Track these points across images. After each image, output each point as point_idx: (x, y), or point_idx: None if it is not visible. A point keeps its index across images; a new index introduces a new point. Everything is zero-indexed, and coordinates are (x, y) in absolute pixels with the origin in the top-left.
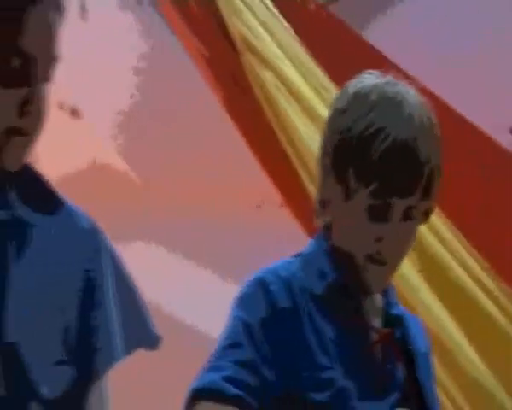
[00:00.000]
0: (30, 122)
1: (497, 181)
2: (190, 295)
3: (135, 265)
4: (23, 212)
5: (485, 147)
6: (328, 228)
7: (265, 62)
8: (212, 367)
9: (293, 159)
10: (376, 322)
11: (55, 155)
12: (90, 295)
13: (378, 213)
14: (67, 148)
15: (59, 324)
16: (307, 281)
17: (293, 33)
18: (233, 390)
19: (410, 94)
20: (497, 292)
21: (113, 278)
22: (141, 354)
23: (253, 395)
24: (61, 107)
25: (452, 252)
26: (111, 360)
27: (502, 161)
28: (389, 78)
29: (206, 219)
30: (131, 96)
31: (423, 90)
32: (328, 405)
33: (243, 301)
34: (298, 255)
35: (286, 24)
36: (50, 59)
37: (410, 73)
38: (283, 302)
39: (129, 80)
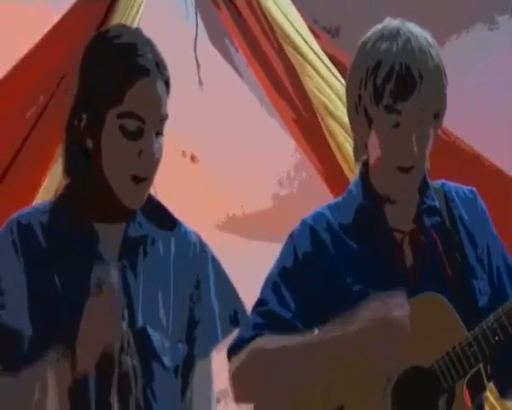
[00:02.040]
0: (146, 167)
1: None
2: None
3: None
4: (150, 229)
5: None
6: (364, 167)
7: (341, 123)
8: (242, 327)
9: (349, 176)
10: (405, 222)
11: None
12: (197, 292)
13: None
14: None
15: (177, 313)
16: (338, 216)
17: None
18: (250, 333)
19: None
20: None
21: (214, 279)
22: None
23: (270, 329)
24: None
25: None
26: (213, 342)
27: None
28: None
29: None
30: None
31: None
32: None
33: (278, 257)
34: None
35: None
36: (160, 117)
37: None
38: (305, 247)
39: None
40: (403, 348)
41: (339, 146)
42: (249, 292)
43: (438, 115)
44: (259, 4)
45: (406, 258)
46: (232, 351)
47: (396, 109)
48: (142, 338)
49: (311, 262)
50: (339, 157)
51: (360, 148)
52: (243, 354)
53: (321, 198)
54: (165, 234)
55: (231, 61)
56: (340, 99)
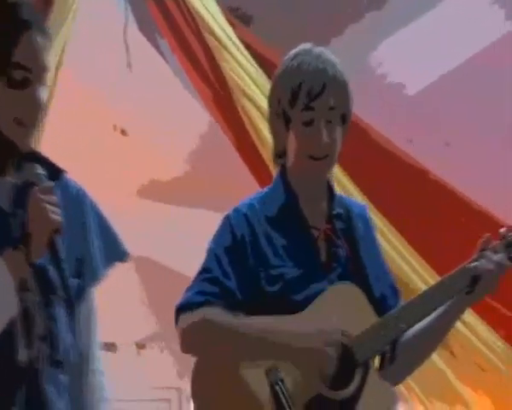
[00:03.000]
0: (31, 113)
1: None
2: None
3: None
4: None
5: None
6: (282, 168)
7: (254, 103)
8: (188, 288)
9: (262, 152)
10: (319, 221)
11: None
12: (82, 233)
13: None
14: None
15: (69, 252)
16: (264, 208)
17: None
18: (200, 298)
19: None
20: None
21: (95, 221)
22: None
23: (216, 298)
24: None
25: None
26: (97, 276)
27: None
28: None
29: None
30: None
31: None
32: (279, 292)
33: (214, 236)
34: (260, 192)
35: (261, 71)
36: (43, 69)
37: None
38: (241, 230)
39: None
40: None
41: (251, 121)
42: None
43: (345, 119)
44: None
45: (320, 251)
46: (180, 310)
47: (310, 107)
48: (41, 275)
49: (246, 245)
50: (251, 132)
51: (278, 151)
52: (195, 317)
53: (231, 167)
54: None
55: (157, 46)
56: (253, 81)
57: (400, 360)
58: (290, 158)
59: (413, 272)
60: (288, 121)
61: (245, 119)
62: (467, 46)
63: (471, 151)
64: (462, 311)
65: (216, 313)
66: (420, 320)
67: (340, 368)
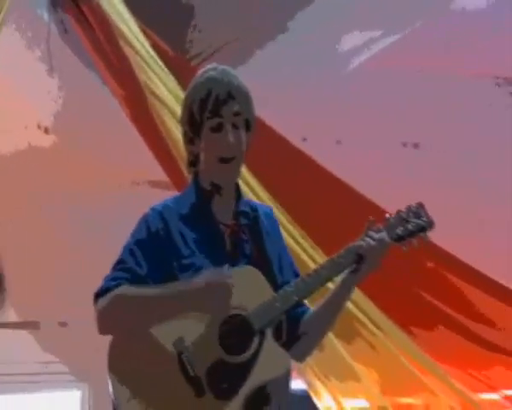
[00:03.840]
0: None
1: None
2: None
3: None
4: None
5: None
6: (195, 174)
7: (163, 102)
8: (104, 277)
9: (173, 150)
10: (227, 218)
11: None
12: None
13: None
14: None
15: None
16: (178, 207)
17: (174, 80)
18: (113, 283)
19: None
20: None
21: None
22: None
23: (129, 281)
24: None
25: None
26: None
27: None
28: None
29: (83, 193)
30: None
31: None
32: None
33: (132, 232)
34: (175, 196)
35: (171, 76)
36: None
37: None
38: (156, 226)
39: None
40: (227, 303)
41: (158, 116)
42: None
43: (249, 125)
44: (100, 8)
45: (227, 244)
46: (98, 296)
47: (217, 114)
48: None
49: (160, 238)
50: (162, 131)
51: (191, 160)
52: (107, 298)
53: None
54: None
55: (77, 52)
56: (161, 81)
57: (305, 336)
58: (202, 165)
59: (311, 259)
60: (199, 130)
61: (155, 116)
62: (359, 52)
63: (361, 149)
64: (351, 287)
65: (126, 288)
66: (311, 293)
67: (239, 336)
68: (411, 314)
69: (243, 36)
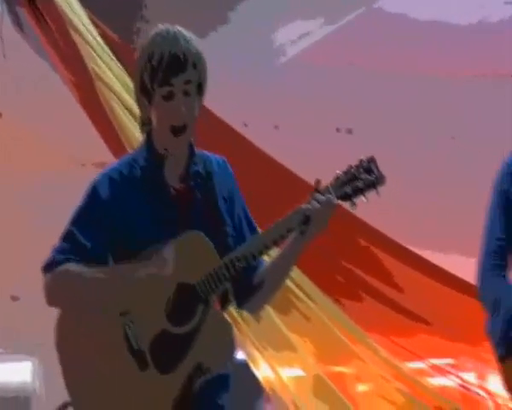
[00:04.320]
0: None
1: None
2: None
3: None
4: None
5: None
6: (148, 134)
7: (110, 88)
8: (52, 249)
9: (120, 134)
10: (179, 180)
11: None
12: None
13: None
14: None
15: None
16: (128, 171)
17: (121, 67)
18: (60, 257)
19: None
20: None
21: None
22: None
23: (74, 255)
24: None
25: None
26: None
27: None
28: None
29: (33, 175)
30: None
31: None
32: (139, 246)
33: (83, 198)
34: (127, 156)
35: (119, 64)
36: None
37: None
38: (104, 193)
39: None
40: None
41: (106, 101)
42: None
43: (201, 89)
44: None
45: (177, 208)
46: (46, 268)
47: (168, 83)
48: None
49: (107, 204)
50: (110, 116)
51: (144, 121)
52: (53, 273)
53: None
54: None
55: (30, 39)
56: (109, 68)
57: (256, 294)
58: (154, 130)
59: None
60: (150, 96)
61: (103, 101)
62: (295, 45)
63: (297, 134)
64: (299, 250)
65: (72, 266)
66: (257, 257)
67: (184, 306)
68: (341, 287)
69: (187, 26)
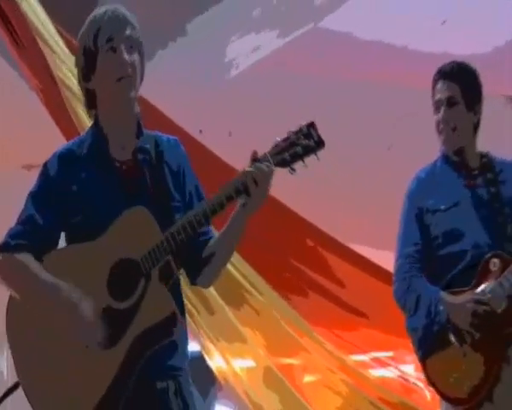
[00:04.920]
0: None
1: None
2: None
3: None
4: None
5: None
6: (96, 117)
7: (75, 94)
8: (8, 232)
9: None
10: (126, 155)
11: None
12: None
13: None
14: None
15: None
16: (77, 148)
17: None
18: (12, 242)
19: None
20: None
21: None
22: None
23: (29, 238)
24: None
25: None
26: None
27: None
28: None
29: None
30: None
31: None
32: (86, 220)
33: (37, 179)
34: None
35: None
36: None
37: None
38: (53, 170)
39: None
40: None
41: (70, 106)
42: None
43: (140, 52)
44: (19, 9)
45: (124, 182)
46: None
47: (111, 39)
48: None
49: (57, 182)
50: (71, 114)
51: (89, 103)
52: (5, 257)
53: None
54: None
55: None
56: (74, 75)
57: (207, 267)
58: (100, 102)
59: None
60: (94, 60)
61: (67, 105)
62: (247, 58)
63: (251, 140)
64: (243, 221)
65: (20, 258)
66: (197, 227)
67: (126, 281)
68: (289, 284)
69: (147, 36)
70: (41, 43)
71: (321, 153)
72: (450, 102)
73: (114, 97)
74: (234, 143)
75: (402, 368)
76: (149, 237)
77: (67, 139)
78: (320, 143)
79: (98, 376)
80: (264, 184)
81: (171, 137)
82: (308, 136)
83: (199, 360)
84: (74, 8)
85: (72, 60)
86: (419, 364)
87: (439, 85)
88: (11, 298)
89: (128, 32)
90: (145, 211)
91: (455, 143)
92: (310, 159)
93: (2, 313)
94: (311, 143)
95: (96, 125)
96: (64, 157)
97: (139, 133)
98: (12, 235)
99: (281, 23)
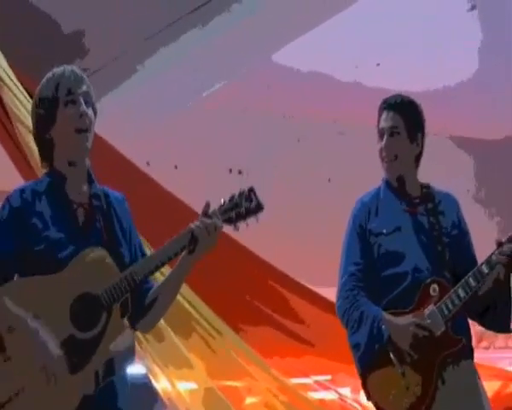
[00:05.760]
0: None
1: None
2: None
3: None
4: None
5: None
6: (51, 166)
7: (27, 128)
8: None
9: (35, 168)
10: (80, 198)
11: None
12: None
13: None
14: None
15: None
16: (36, 186)
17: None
18: None
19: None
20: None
21: None
22: None
23: None
24: None
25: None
26: None
27: None
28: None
29: None
30: None
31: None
32: (44, 251)
33: None
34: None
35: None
36: None
37: None
38: (16, 203)
39: None
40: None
41: (23, 138)
42: None
43: (94, 108)
44: None
45: (79, 220)
46: None
47: (71, 92)
48: None
49: (20, 214)
50: (24, 147)
51: (44, 157)
52: None
53: None
54: None
55: None
56: (27, 110)
57: (149, 311)
58: (57, 146)
59: None
60: (54, 110)
61: (20, 139)
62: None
63: (196, 174)
64: (188, 267)
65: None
66: (152, 272)
67: (89, 313)
68: (244, 316)
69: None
70: None
71: (261, 184)
72: (393, 132)
73: (73, 147)
74: (179, 176)
75: (340, 391)
76: (109, 276)
77: (18, 168)
78: (259, 206)
79: (65, 397)
80: (212, 237)
81: (117, 193)
82: (249, 199)
83: (143, 380)
84: (25, 45)
85: (24, 96)
86: (356, 386)
87: (384, 115)
88: None
89: (85, 87)
90: (104, 252)
91: (396, 170)
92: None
93: None
94: (253, 205)
95: (52, 170)
96: (25, 192)
97: (90, 180)
98: None
99: (227, 62)
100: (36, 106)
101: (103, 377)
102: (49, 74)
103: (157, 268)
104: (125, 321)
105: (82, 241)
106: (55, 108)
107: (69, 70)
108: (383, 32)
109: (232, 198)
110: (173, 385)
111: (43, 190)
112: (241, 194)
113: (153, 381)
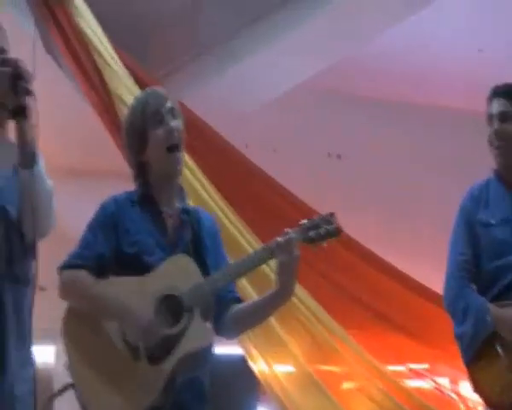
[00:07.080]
0: None
1: None
2: None
3: None
4: None
5: None
6: (142, 174)
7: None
8: (69, 253)
9: None
10: (171, 210)
11: None
12: None
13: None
14: None
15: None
16: (130, 196)
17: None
18: (74, 262)
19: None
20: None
21: None
22: None
23: (89, 261)
24: None
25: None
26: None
27: None
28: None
29: None
30: None
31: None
32: (135, 255)
33: (93, 214)
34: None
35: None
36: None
37: None
38: (110, 208)
39: None
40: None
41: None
42: None
43: (182, 120)
44: (77, 25)
45: (168, 230)
46: (61, 267)
47: (158, 112)
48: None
49: (113, 218)
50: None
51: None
52: (66, 275)
53: None
54: None
55: (59, 63)
56: (128, 90)
57: (236, 324)
58: (151, 164)
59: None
60: (145, 136)
61: (121, 118)
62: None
63: (294, 158)
64: (277, 306)
65: (80, 276)
66: (232, 280)
67: (172, 313)
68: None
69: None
70: (96, 57)
71: None
72: (504, 117)
73: (165, 166)
74: (278, 160)
75: (438, 380)
76: (193, 280)
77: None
78: (339, 230)
79: (145, 386)
80: (291, 255)
81: (207, 213)
82: (329, 222)
83: (241, 363)
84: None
85: (126, 75)
86: (454, 377)
87: (494, 103)
88: (69, 310)
89: (169, 104)
90: (189, 258)
91: (506, 157)
92: None
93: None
94: (332, 229)
95: (145, 183)
96: (119, 200)
97: (182, 197)
98: (71, 256)
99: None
100: (127, 135)
101: (183, 370)
102: (134, 102)
103: (237, 278)
104: (208, 324)
105: (170, 248)
106: (146, 133)
107: (151, 91)
108: None
109: (312, 219)
110: (270, 367)
111: (136, 199)
112: (321, 216)
113: (250, 362)
